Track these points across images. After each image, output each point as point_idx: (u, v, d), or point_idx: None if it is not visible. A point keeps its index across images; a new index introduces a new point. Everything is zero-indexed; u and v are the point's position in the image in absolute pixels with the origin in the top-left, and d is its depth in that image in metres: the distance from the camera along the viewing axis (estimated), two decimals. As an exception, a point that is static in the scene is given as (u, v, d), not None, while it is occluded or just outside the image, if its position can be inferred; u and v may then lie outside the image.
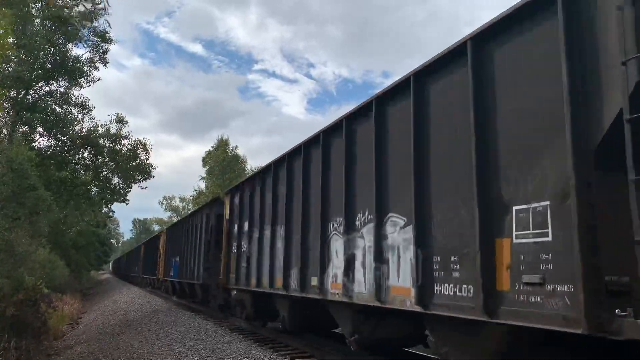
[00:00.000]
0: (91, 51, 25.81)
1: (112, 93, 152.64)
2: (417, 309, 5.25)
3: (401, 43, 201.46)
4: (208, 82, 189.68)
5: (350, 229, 6.91)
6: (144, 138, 32.07)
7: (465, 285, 4.67)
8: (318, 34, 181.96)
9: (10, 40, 20.13)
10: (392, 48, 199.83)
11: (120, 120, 27.18)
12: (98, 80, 26.23)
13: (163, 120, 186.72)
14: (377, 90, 6.48)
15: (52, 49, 24.09)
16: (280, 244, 9.41)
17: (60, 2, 21.30)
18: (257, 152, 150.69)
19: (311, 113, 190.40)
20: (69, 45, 24.79)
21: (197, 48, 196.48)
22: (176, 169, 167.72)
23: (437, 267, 5.06)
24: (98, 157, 26.69)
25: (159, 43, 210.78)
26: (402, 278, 5.63)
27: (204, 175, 53.21)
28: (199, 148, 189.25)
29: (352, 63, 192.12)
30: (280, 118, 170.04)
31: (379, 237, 6.13)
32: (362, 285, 6.47)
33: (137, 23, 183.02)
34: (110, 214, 40.10)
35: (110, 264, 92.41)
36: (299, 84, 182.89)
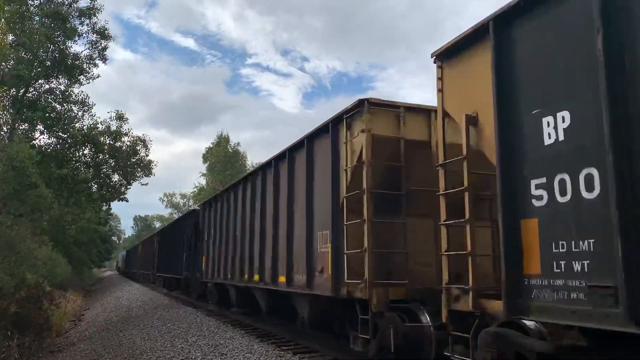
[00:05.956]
0: (90, 48, 25.80)
1: (97, 88, 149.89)
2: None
3: (384, 34, 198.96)
4: (194, 76, 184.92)
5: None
6: (143, 134, 32.09)
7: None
8: (299, 24, 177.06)
9: (10, 37, 20.15)
10: (375, 39, 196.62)
11: (120, 118, 27.16)
12: (98, 77, 26.25)
13: (151, 115, 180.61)
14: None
15: (51, 46, 24.06)
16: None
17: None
18: (247, 147, 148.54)
19: (306, 107, 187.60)
20: (68, 43, 24.77)
21: (189, 42, 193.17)
22: (167, 164, 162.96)
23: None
24: (98, 155, 26.69)
25: (141, 36, 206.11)
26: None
27: (205, 171, 53.30)
28: (189, 143, 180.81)
29: (342, 56, 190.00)
30: (271, 112, 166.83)
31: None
32: None
33: (127, 18, 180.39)
34: (111, 211, 40.11)
35: (120, 256, 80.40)
36: (293, 77, 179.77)
